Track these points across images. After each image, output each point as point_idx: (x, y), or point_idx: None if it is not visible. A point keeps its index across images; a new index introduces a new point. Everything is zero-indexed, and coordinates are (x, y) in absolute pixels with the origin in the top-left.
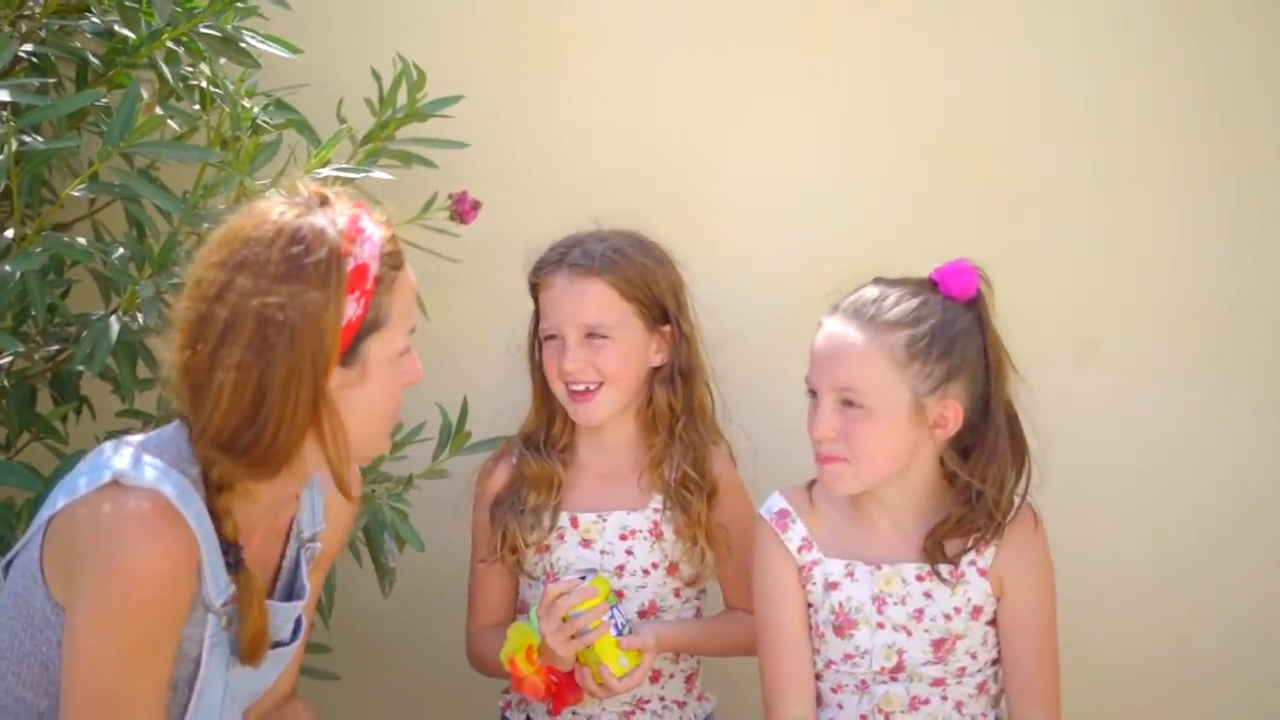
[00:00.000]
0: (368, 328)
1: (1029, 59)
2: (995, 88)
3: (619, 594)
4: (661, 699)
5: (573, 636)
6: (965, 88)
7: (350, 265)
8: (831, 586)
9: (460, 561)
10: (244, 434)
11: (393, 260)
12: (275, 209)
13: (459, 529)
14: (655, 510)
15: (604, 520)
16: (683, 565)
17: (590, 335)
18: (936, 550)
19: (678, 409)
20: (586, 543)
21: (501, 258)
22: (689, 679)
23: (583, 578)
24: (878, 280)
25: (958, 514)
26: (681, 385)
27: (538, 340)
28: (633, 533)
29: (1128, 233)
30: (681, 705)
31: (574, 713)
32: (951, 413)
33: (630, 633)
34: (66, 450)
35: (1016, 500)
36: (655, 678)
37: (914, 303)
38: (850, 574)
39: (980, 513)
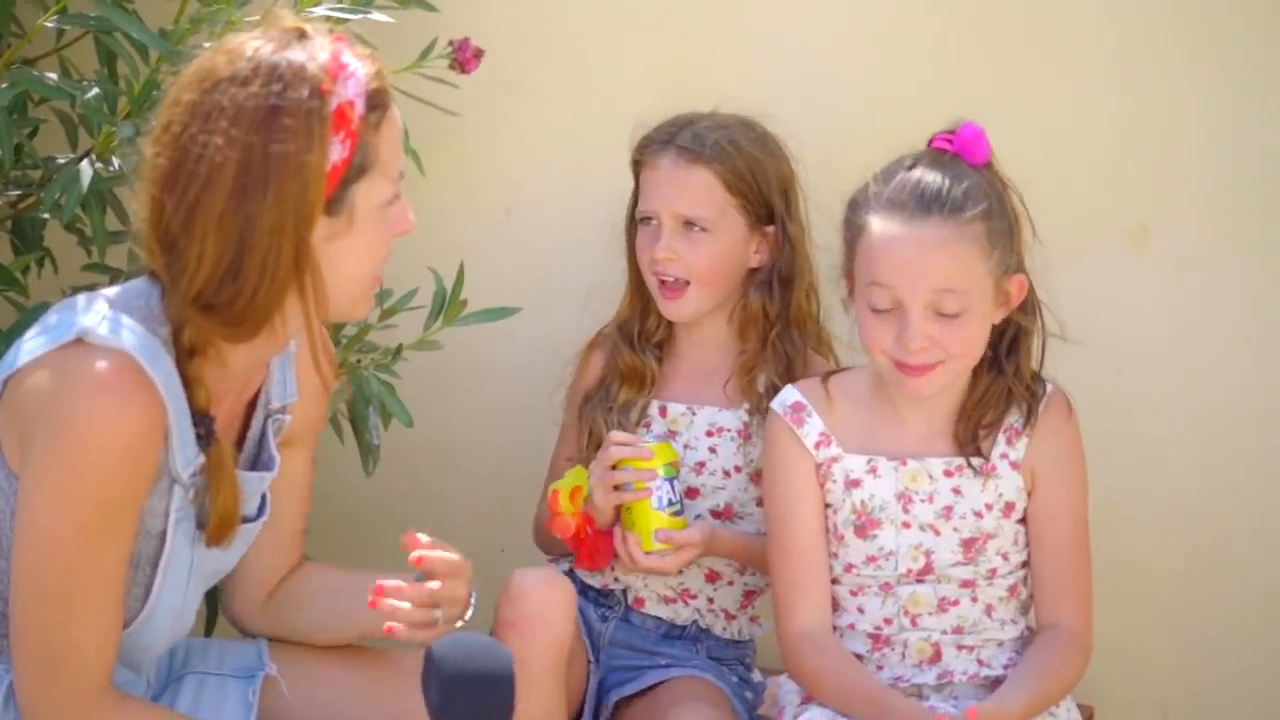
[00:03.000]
0: (354, 172)
1: None
2: None
3: (676, 466)
4: (710, 600)
5: (616, 489)
6: None
7: (333, 104)
8: (852, 484)
9: (451, 445)
10: (223, 291)
11: (378, 98)
12: (249, 44)
13: (449, 407)
14: (747, 411)
15: (693, 414)
16: None
17: (688, 225)
18: (970, 438)
19: (772, 315)
20: (672, 434)
21: (504, 111)
22: (748, 595)
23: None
24: (909, 163)
25: (983, 388)
26: (779, 290)
27: (634, 223)
28: (720, 430)
29: (1177, 111)
30: (730, 617)
31: (616, 579)
32: (1016, 287)
33: (679, 513)
34: (28, 304)
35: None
36: (712, 577)
37: (967, 182)
38: (873, 470)
39: (1009, 385)
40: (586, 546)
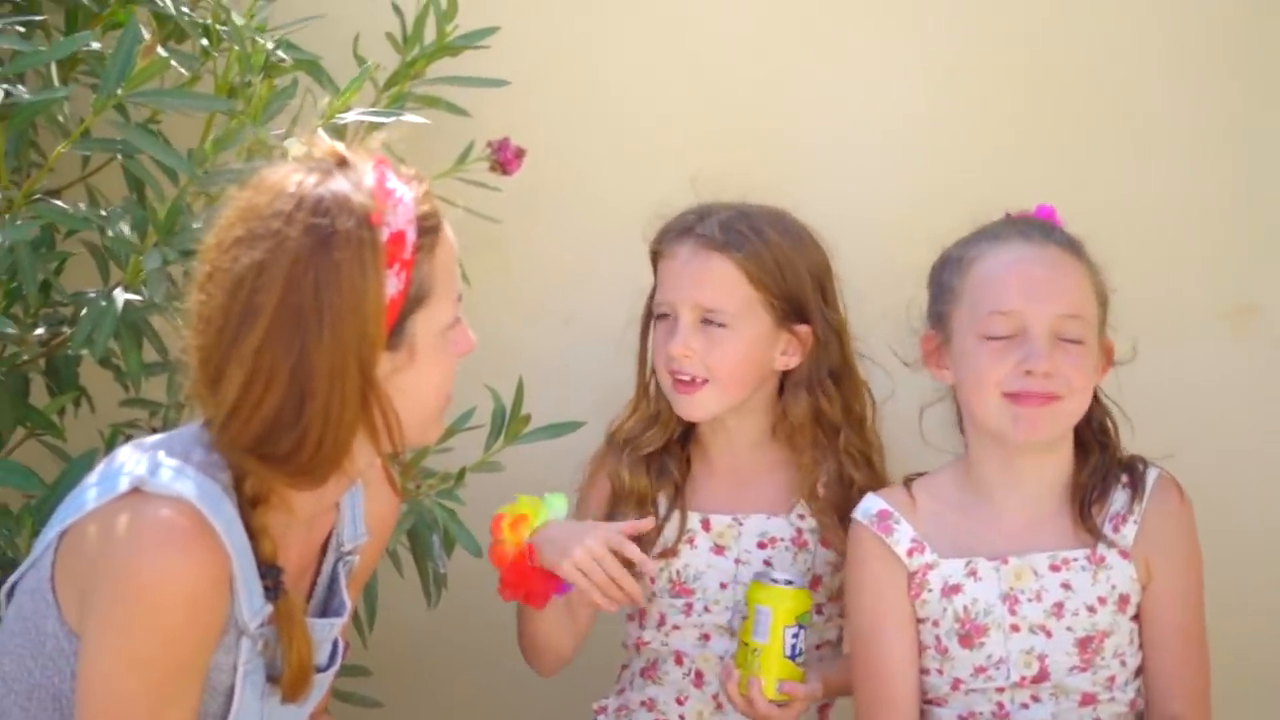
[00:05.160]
0: (412, 303)
1: None
2: (1119, 10)
3: (811, 613)
4: None
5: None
6: (1085, 9)
7: (385, 234)
8: (951, 591)
9: None
10: (283, 439)
11: (429, 221)
12: (290, 178)
13: None
14: (799, 516)
15: (740, 525)
16: (828, 578)
17: (706, 320)
18: (1083, 515)
19: (836, 419)
20: (720, 549)
21: (551, 213)
22: (823, 710)
23: (790, 581)
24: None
25: (1091, 461)
26: (837, 391)
27: (651, 319)
28: (773, 540)
29: (1273, 172)
30: None
31: None
32: (1108, 349)
33: (804, 663)
34: (66, 447)
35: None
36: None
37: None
38: (972, 573)
39: (1110, 460)
40: (522, 580)
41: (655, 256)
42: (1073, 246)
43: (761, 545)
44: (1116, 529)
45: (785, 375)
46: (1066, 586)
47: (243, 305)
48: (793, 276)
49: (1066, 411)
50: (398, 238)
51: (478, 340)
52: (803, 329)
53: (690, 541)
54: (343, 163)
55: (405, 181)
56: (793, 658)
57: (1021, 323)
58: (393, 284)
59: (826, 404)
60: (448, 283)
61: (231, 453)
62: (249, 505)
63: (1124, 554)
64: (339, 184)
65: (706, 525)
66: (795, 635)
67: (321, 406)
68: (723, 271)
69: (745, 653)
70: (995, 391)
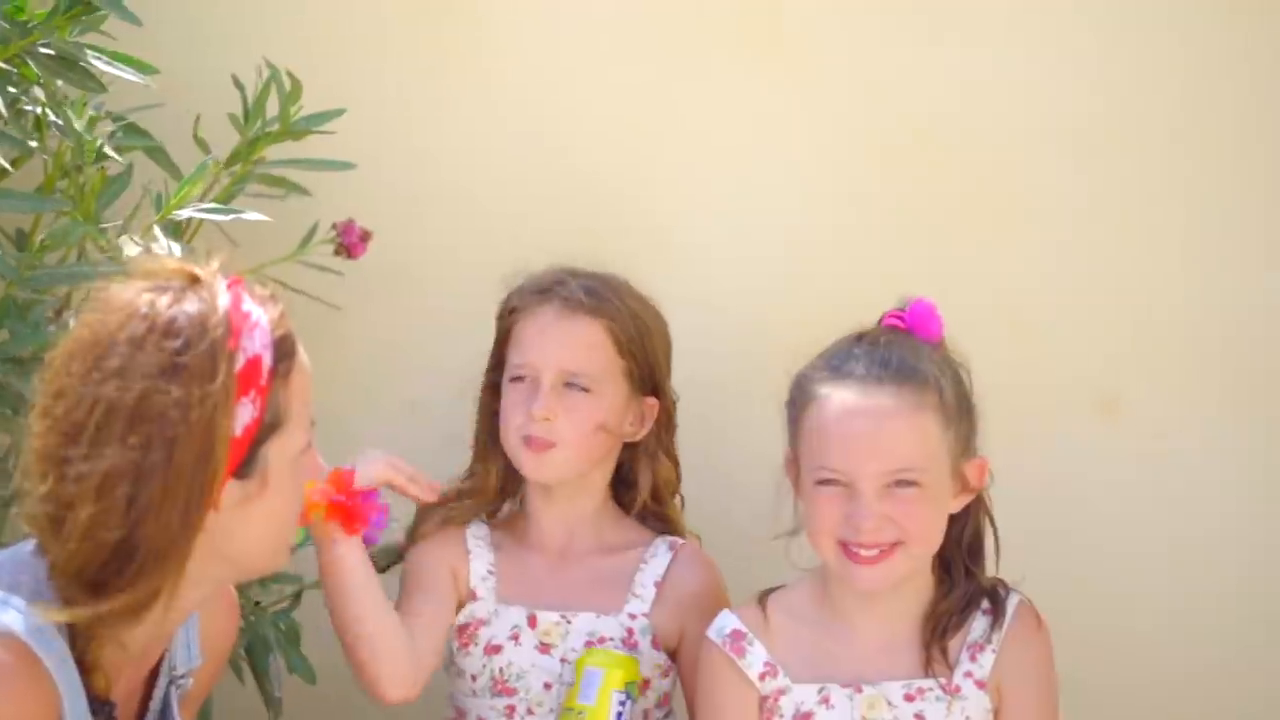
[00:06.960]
0: (266, 430)
1: (1022, 58)
2: (986, 93)
3: (640, 688)
4: None
5: None
6: (952, 94)
7: (240, 361)
8: (804, 718)
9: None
10: (122, 572)
11: (286, 346)
12: (141, 298)
13: None
14: (631, 616)
15: (569, 622)
16: (657, 681)
17: (568, 384)
18: (939, 651)
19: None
20: (545, 647)
21: (392, 297)
22: None
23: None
24: (856, 337)
25: (948, 591)
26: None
27: (492, 386)
28: (601, 641)
29: (1144, 262)
30: None
31: None
32: (976, 472)
33: None
34: None
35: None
36: None
37: (921, 355)
38: (825, 700)
39: (971, 591)
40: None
41: (509, 316)
42: (912, 382)
43: (589, 644)
44: (974, 658)
45: (626, 449)
46: (920, 718)
47: (91, 432)
48: (651, 346)
49: (908, 556)
50: (253, 363)
51: (320, 431)
52: (651, 401)
53: (515, 638)
54: (194, 281)
55: (260, 303)
56: None
57: (848, 479)
58: (247, 411)
59: (665, 477)
60: (302, 409)
61: (64, 583)
62: (82, 639)
63: (980, 684)
64: (193, 305)
65: (533, 622)
66: (622, 703)
67: (150, 536)
68: (590, 335)
69: (568, 718)
70: (830, 539)
